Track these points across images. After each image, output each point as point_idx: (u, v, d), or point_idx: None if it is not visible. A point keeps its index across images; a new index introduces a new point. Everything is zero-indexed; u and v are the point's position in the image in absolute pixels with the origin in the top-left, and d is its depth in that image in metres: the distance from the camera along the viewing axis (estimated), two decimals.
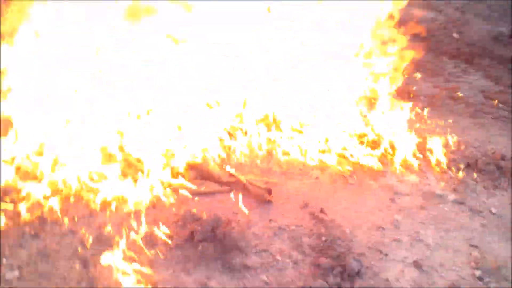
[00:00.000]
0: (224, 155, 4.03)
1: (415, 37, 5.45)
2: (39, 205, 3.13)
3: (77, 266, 2.78)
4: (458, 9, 10.26)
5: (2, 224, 2.93)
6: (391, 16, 4.73)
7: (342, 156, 4.26)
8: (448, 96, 6.19)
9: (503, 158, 4.56)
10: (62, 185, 3.29)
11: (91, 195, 3.28)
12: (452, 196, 3.94)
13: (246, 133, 4.29)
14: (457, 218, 3.69)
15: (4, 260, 2.75)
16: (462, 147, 4.75)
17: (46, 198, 3.17)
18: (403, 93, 6.03)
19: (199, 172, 3.71)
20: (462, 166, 4.34)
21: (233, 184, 3.67)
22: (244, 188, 3.64)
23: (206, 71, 4.14)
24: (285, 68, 4.48)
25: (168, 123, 3.91)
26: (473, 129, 5.34)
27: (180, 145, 3.87)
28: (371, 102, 4.98)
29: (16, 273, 2.69)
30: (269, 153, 4.20)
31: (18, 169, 3.33)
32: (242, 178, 3.68)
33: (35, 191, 3.17)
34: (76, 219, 3.11)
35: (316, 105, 4.53)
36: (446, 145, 4.67)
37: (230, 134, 4.26)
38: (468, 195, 3.99)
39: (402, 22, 4.92)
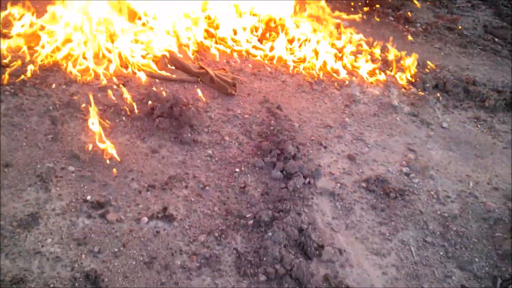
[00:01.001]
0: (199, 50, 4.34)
1: None
2: (22, 70, 3.54)
3: (47, 122, 3.21)
4: None
5: None
6: None
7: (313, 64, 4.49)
8: (446, 26, 6.18)
9: (474, 83, 4.70)
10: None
11: (70, 64, 3.67)
12: (407, 109, 4.17)
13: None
14: (404, 126, 3.95)
15: None
16: (437, 70, 4.89)
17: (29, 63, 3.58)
18: (399, 18, 6.10)
19: (172, 61, 4.03)
20: (428, 85, 4.51)
21: (202, 76, 3.98)
22: (211, 80, 3.95)
23: None
24: None
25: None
26: (457, 57, 5.42)
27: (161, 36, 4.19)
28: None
29: None
30: (242, 54, 4.48)
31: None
32: (210, 71, 3.98)
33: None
34: (53, 86, 3.52)
35: None
36: (420, 66, 4.82)
37: (207, 31, 4.53)
38: (425, 110, 4.21)
39: None
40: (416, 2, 6.61)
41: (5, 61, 3.57)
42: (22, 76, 3.47)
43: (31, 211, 2.57)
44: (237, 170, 3.17)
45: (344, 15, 5.72)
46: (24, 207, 2.59)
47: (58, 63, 3.72)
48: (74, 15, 3.77)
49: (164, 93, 3.59)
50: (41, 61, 3.67)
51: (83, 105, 3.38)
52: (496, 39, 6.07)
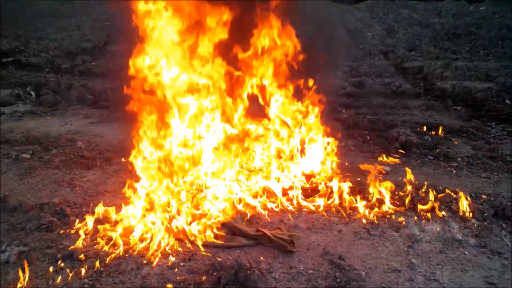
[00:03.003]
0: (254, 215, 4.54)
1: None
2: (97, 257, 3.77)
3: None
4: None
5: None
6: None
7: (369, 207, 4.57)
8: (487, 156, 6.29)
9: None
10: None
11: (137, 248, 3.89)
12: (472, 241, 4.04)
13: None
14: (475, 259, 3.78)
15: None
16: (492, 198, 4.84)
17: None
18: (438, 156, 6.30)
19: (230, 228, 4.21)
20: (487, 214, 4.43)
21: (260, 238, 4.10)
22: (269, 241, 4.05)
23: None
24: None
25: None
26: (507, 182, 5.39)
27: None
28: None
29: None
30: (297, 211, 4.64)
31: None
32: (267, 232, 4.11)
33: None
34: (126, 271, 3.68)
35: None
36: (473, 197, 4.80)
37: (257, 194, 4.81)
38: (491, 239, 4.07)
39: None
40: (452, 139, 6.88)
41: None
42: (98, 265, 3.68)
43: None
44: None
45: (383, 159, 5.99)
46: None
47: (129, 249, 3.94)
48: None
49: (227, 261, 3.69)
50: (114, 249, 3.90)
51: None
52: None
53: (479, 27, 18.59)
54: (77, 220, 4.30)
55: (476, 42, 16.21)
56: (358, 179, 5.29)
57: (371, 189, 4.82)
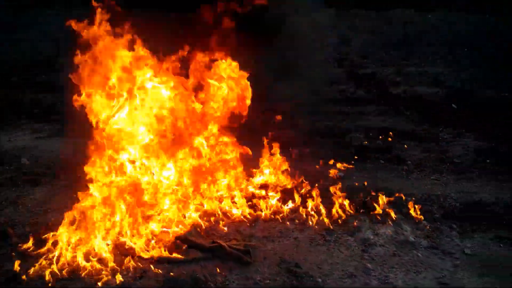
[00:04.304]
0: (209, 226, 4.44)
1: None
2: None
3: None
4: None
5: None
6: None
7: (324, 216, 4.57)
8: (437, 158, 6.48)
9: (483, 204, 4.74)
10: None
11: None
12: (424, 242, 4.11)
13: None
14: (428, 261, 3.84)
15: None
16: (441, 199, 4.97)
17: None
18: (391, 159, 6.42)
19: (184, 242, 4.09)
20: (438, 215, 4.53)
21: (216, 250, 4.00)
22: (225, 252, 3.96)
23: None
24: None
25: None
26: (456, 183, 5.55)
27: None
28: None
29: None
30: (253, 220, 4.59)
31: None
32: (223, 243, 4.02)
33: None
34: None
35: None
36: (423, 199, 4.91)
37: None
38: (442, 240, 4.15)
39: None
40: (404, 143, 7.06)
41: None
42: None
43: None
44: None
45: (337, 165, 6.06)
46: None
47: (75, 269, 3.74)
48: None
49: (182, 276, 3.57)
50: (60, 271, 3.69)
51: None
52: (489, 160, 6.30)
53: (428, 34, 19.33)
54: (20, 241, 4.06)
55: (426, 48, 16.82)
56: (312, 185, 5.29)
57: (324, 195, 4.84)
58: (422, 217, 4.51)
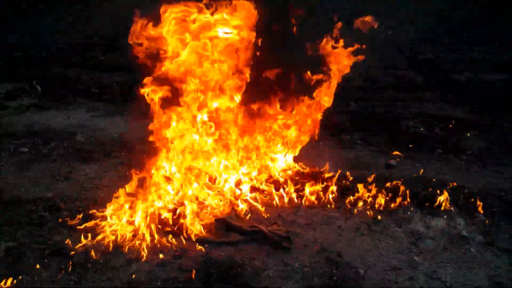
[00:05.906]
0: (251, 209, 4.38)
1: None
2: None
3: None
4: None
5: None
6: None
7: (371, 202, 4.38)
8: (499, 150, 6.02)
9: None
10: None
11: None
12: (479, 238, 3.82)
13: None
14: (481, 257, 3.57)
15: None
16: (502, 193, 4.60)
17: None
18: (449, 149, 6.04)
19: (224, 224, 4.05)
20: (496, 210, 4.20)
21: (255, 234, 3.93)
22: (264, 237, 3.88)
23: None
24: None
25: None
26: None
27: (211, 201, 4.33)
28: None
29: None
30: (296, 205, 4.47)
31: None
32: (263, 228, 3.94)
33: None
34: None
35: None
36: (482, 192, 4.57)
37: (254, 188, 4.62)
38: (499, 237, 3.84)
39: None
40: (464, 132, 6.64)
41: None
42: (85, 261, 3.56)
43: None
44: None
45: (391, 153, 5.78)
46: None
47: (119, 245, 3.81)
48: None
49: (219, 258, 3.54)
50: (104, 245, 3.78)
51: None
52: None
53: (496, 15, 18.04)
54: (69, 215, 4.20)
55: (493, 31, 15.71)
56: (362, 173, 5.08)
57: (374, 184, 4.63)
58: (481, 211, 4.20)
